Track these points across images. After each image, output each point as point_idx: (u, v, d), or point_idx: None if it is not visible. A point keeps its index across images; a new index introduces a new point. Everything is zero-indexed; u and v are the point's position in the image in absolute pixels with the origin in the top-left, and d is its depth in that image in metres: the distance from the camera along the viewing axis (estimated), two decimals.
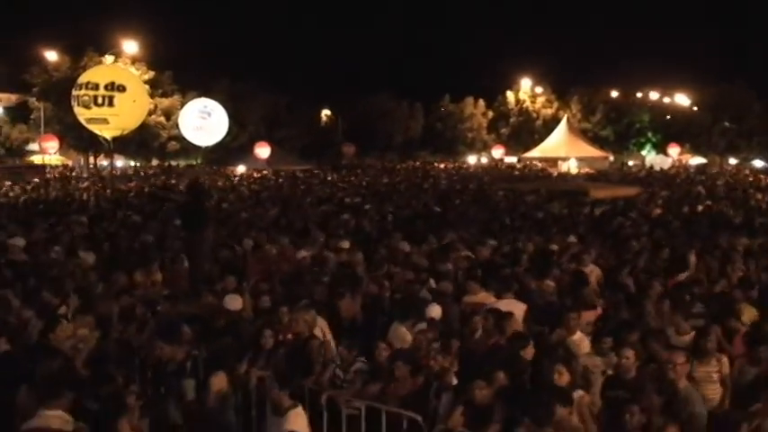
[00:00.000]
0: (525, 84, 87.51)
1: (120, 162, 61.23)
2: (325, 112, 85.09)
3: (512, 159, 79.47)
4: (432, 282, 12.63)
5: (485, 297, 11.30)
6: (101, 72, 38.10)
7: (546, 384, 7.53)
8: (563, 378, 7.62)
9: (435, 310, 10.06)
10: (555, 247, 16.44)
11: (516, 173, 64.20)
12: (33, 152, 67.22)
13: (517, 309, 10.56)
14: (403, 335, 9.68)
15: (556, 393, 7.04)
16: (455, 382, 7.99)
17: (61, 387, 6.25)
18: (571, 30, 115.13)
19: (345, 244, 16.24)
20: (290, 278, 13.27)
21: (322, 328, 9.55)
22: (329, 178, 51.50)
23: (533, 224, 21.62)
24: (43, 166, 53.35)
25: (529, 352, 8.41)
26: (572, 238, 17.80)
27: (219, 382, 7.58)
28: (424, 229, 19.31)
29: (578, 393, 7.49)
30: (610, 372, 8.43)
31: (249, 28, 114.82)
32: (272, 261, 15.06)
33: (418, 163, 77.05)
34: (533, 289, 12.24)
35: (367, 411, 7.77)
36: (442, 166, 74.19)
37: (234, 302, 10.22)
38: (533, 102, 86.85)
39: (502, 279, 12.01)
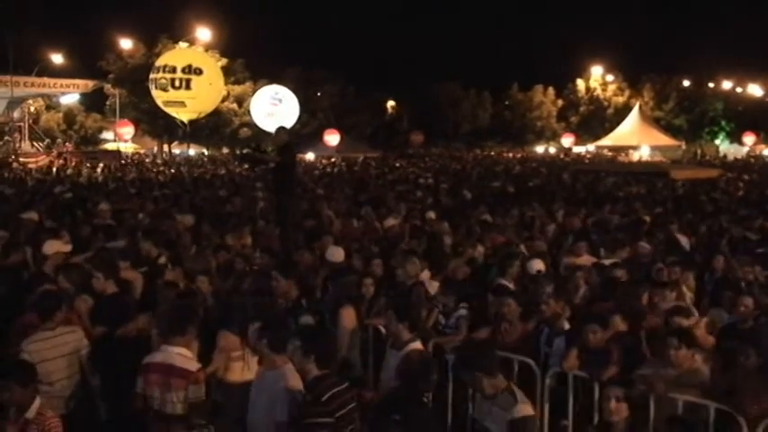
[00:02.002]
0: (596, 71, 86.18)
1: (191, 150, 62.06)
2: (390, 104, 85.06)
3: (581, 149, 78.46)
4: (522, 247, 12.49)
5: (587, 259, 11.14)
6: (178, 55, 38.87)
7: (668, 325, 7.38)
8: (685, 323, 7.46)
9: (539, 264, 9.96)
10: (646, 218, 16.18)
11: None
12: (107, 140, 68.66)
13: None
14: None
15: (679, 334, 6.87)
16: (567, 327, 7.86)
17: (185, 323, 6.28)
18: (642, 17, 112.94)
19: (432, 214, 16.15)
20: (381, 242, 13.23)
21: (424, 278, 9.50)
22: (397, 165, 51.47)
23: (615, 200, 21.25)
24: (118, 152, 54.31)
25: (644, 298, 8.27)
26: (659, 209, 17.57)
27: (348, 315, 7.55)
28: (504, 205, 19.11)
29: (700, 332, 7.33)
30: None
31: (318, 17, 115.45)
32: (357, 229, 15.08)
33: (485, 152, 76.48)
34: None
35: None
36: (509, 155, 73.55)
37: (336, 254, 10.22)
38: (604, 90, 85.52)
39: (610, 242, 11.91)
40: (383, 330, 8.05)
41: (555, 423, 7.32)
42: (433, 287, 9.36)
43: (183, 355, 6.14)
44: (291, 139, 13.89)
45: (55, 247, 10.01)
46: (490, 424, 5.38)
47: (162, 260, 10.57)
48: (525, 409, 5.31)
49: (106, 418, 7.20)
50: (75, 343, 7.06)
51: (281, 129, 13.63)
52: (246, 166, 26.70)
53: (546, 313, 7.97)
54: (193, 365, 6.14)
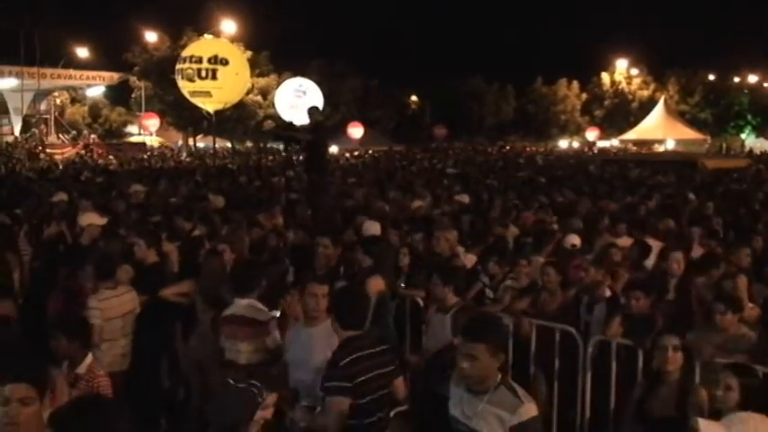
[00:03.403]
0: (621, 65, 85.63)
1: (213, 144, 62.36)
2: (413, 98, 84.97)
3: (605, 143, 78.03)
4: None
5: (626, 240, 11.04)
6: (204, 46, 38.81)
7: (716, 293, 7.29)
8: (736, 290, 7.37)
9: (575, 239, 9.87)
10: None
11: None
12: (131, 134, 69.09)
13: (655, 245, 10.32)
14: (538, 263, 9.49)
15: (726, 299, 6.79)
16: (608, 294, 7.77)
17: (253, 280, 6.51)
18: (667, 10, 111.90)
19: (464, 198, 16.09)
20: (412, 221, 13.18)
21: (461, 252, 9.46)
22: (419, 157, 51.42)
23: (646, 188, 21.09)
24: (143, 144, 54.64)
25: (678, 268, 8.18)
26: (691, 196, 17.45)
27: (376, 284, 7.52)
28: (532, 192, 19.02)
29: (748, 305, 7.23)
30: None
31: (341, 10, 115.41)
32: (388, 211, 15.03)
33: (508, 147, 76.18)
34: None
35: (516, 328, 7.62)
36: (532, 149, 73.22)
37: (373, 228, 10.18)
38: (629, 83, 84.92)
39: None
40: (420, 303, 8.03)
41: (598, 392, 7.24)
42: (470, 261, 9.32)
43: (253, 307, 6.46)
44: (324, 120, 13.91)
45: (90, 219, 10.08)
46: (481, 426, 4.47)
47: (196, 232, 10.62)
48: (531, 409, 4.43)
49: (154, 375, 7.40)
50: (133, 302, 7.32)
51: (314, 108, 13.62)
52: (271, 157, 26.84)
53: (586, 281, 7.90)
54: (265, 316, 6.44)
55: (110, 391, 5.46)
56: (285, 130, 12.65)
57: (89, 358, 5.59)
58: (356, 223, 11.91)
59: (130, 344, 7.21)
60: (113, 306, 6.98)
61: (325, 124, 12.95)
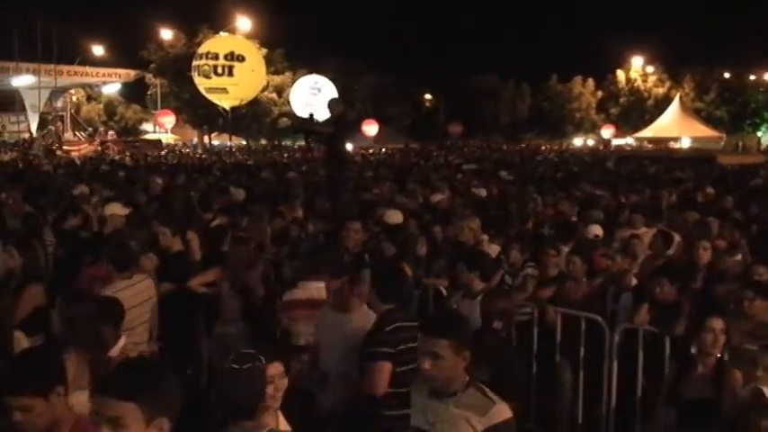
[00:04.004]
0: (636, 62, 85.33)
1: (229, 141, 62.59)
2: (427, 96, 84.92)
3: (620, 141, 77.75)
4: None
5: (645, 232, 11.01)
6: (220, 42, 39.03)
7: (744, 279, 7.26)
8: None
9: (597, 229, 9.86)
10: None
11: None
12: (146, 132, 69.37)
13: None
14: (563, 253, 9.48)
15: (755, 286, 6.76)
16: (634, 282, 7.75)
17: (320, 261, 6.40)
18: (682, 8, 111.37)
19: (482, 192, 16.06)
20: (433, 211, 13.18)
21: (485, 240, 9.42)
22: (434, 153, 51.38)
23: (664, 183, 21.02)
24: (159, 141, 54.86)
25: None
26: (710, 190, 17.37)
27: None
28: (553, 186, 18.97)
29: None
30: None
31: (356, 7, 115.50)
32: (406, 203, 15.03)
33: (524, 144, 75.96)
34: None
35: (541, 316, 7.61)
36: (547, 147, 72.99)
37: (394, 216, 10.18)
38: (644, 81, 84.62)
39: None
40: (444, 292, 8.03)
41: (624, 381, 7.20)
42: (493, 250, 9.29)
43: (319, 288, 6.31)
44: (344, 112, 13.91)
45: (114, 209, 10.12)
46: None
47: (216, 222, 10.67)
48: (504, 410, 3.97)
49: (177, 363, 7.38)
50: (150, 290, 7.26)
51: (334, 101, 13.61)
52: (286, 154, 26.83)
53: (612, 270, 7.87)
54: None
55: None
56: (306, 122, 12.61)
57: (122, 341, 5.61)
58: (377, 214, 11.94)
59: (147, 331, 7.17)
60: (128, 297, 6.87)
61: (345, 117, 12.91)
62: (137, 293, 7.01)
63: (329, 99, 13.90)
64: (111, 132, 62.62)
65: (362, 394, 5.16)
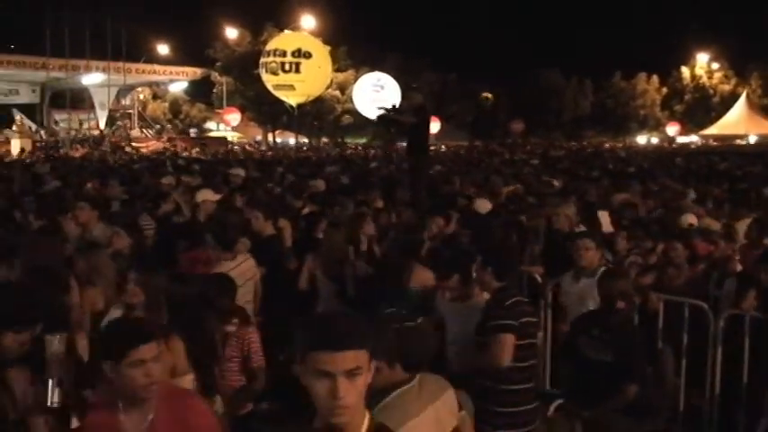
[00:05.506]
0: (701, 59, 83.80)
1: (292, 140, 63.00)
2: (485, 94, 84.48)
3: (685, 139, 76.41)
4: None
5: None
6: (287, 39, 39.35)
7: None
8: None
9: (692, 218, 9.76)
10: None
11: None
12: (211, 130, 70.27)
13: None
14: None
15: None
16: (739, 268, 7.62)
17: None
18: (748, 3, 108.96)
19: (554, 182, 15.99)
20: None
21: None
22: (498, 150, 51.10)
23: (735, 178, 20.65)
24: (225, 138, 55.58)
25: None
26: None
27: None
28: (627, 180, 18.72)
29: None
30: None
31: (417, 4, 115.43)
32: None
33: (585, 143, 75.04)
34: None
35: (643, 303, 7.51)
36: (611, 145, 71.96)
37: (483, 205, 10.18)
38: (710, 77, 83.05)
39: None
40: (539, 279, 8.01)
41: (729, 367, 7.08)
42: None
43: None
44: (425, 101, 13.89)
45: (205, 195, 10.28)
46: None
47: (305, 211, 10.76)
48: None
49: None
50: (253, 270, 7.42)
51: (412, 92, 13.61)
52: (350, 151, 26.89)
53: (716, 255, 7.75)
54: None
55: (259, 345, 5.56)
56: (389, 113, 12.54)
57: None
58: (459, 205, 11.92)
59: (252, 310, 7.27)
60: (235, 276, 7.05)
61: (426, 106, 12.90)
62: (241, 273, 7.11)
63: (404, 90, 13.91)
64: (192, 130, 63.68)
65: (487, 367, 5.16)
